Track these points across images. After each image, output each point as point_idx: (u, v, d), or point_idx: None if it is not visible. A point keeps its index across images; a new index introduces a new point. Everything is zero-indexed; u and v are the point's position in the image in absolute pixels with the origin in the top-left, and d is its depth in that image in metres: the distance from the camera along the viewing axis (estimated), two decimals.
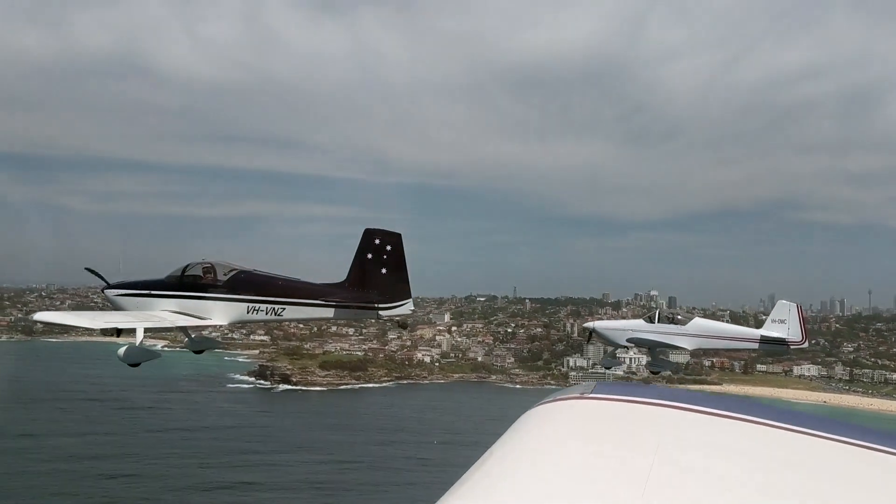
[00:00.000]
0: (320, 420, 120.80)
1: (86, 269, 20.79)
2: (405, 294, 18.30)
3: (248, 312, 18.82)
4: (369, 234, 18.32)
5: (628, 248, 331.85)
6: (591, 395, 3.95)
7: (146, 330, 18.40)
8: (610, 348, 32.56)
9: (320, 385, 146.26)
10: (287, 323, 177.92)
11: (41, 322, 21.52)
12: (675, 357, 35.49)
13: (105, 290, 20.29)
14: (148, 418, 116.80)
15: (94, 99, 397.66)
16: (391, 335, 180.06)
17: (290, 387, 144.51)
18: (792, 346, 28.72)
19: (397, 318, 18.87)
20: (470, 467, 3.30)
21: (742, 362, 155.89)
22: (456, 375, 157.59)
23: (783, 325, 28.19)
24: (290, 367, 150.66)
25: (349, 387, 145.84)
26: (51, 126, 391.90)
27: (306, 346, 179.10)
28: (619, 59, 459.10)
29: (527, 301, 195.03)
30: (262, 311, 18.67)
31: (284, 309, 18.60)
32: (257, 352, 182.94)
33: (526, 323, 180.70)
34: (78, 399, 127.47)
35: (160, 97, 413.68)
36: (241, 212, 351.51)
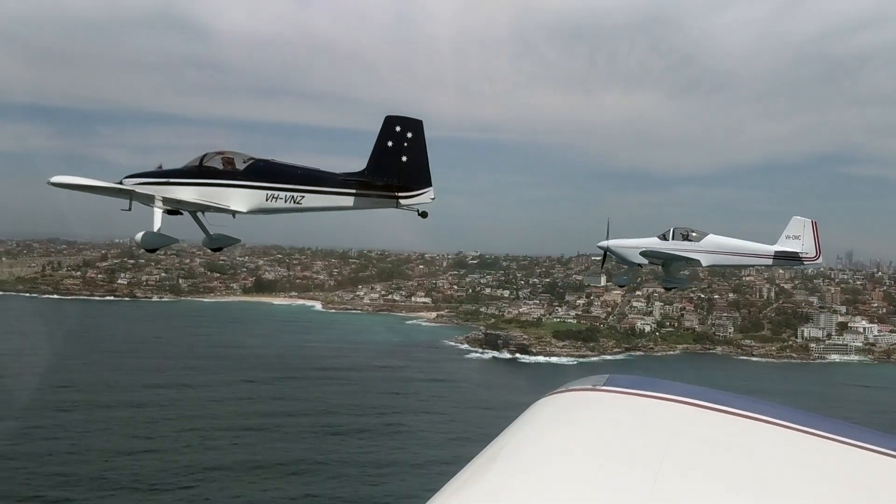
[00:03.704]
0: None
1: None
2: (426, 182, 17.76)
3: (266, 200, 18.45)
4: (390, 122, 17.65)
5: (672, 203, 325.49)
6: (603, 388, 3.91)
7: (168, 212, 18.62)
8: (625, 266, 32.55)
9: (560, 356, 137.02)
10: (444, 285, 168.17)
11: (59, 184, 17.16)
12: None
13: (123, 181, 19.18)
14: (449, 393, 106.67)
15: (135, 53, 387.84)
16: (572, 296, 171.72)
17: (535, 358, 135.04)
18: (805, 262, 29.02)
19: (416, 208, 17.95)
20: (477, 455, 3.25)
21: None
22: (680, 346, 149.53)
23: (797, 240, 28.35)
24: (525, 336, 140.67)
25: (588, 359, 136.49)
26: (92, 80, 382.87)
27: (482, 309, 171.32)
28: (668, 8, 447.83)
29: None
30: (280, 198, 18.36)
31: (304, 197, 18.28)
32: (434, 315, 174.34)
33: (714, 286, 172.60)
34: (337, 368, 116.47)
35: (200, 51, 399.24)
36: None
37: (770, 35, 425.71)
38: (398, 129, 17.68)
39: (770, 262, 29.79)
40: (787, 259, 29.23)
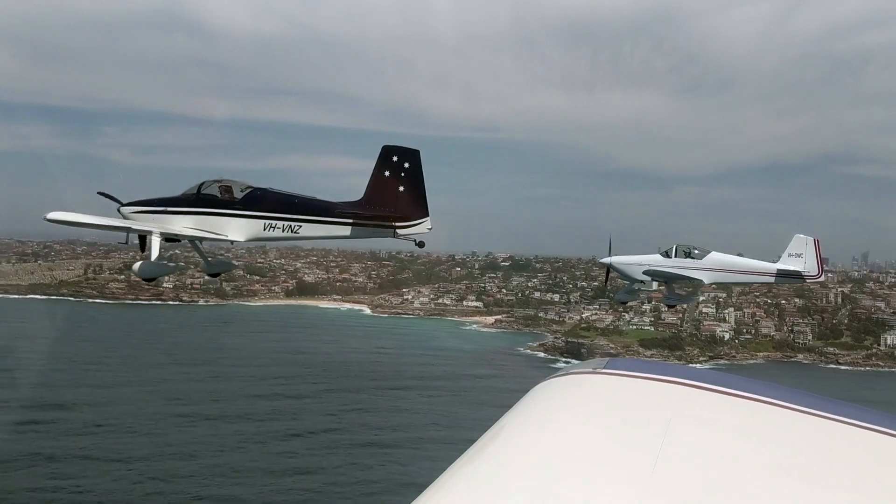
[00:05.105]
0: None
1: (98, 193, 19.86)
2: (423, 212, 17.74)
3: (264, 229, 18.46)
4: (387, 151, 17.76)
5: (673, 203, 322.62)
6: (604, 371, 3.93)
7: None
8: (627, 283, 32.18)
9: None
10: (492, 288, 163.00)
11: (56, 221, 16.97)
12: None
13: (120, 209, 19.17)
14: None
15: (139, 52, 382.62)
16: (633, 301, 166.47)
17: None
18: (808, 280, 29.10)
19: (413, 237, 18.05)
20: (478, 439, 3.25)
21: None
22: (760, 354, 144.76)
23: (800, 258, 28.29)
24: (612, 345, 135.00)
25: None
26: (96, 79, 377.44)
27: (540, 314, 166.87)
28: (672, 7, 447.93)
29: None
30: (278, 227, 18.35)
31: (301, 226, 18.26)
32: (491, 320, 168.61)
33: (775, 291, 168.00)
34: (430, 377, 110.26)
35: (204, 50, 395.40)
36: (282, 165, 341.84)
37: (774, 34, 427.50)
38: (395, 158, 17.59)
39: (772, 279, 29.88)
40: (790, 277, 29.27)
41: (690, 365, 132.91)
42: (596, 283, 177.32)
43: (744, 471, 2.97)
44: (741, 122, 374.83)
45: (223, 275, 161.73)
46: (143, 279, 19.83)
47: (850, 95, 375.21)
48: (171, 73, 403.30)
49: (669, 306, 38.08)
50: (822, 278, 29.95)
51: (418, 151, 17.80)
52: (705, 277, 29.88)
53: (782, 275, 29.17)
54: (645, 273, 30.29)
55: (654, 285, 32.90)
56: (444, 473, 2.92)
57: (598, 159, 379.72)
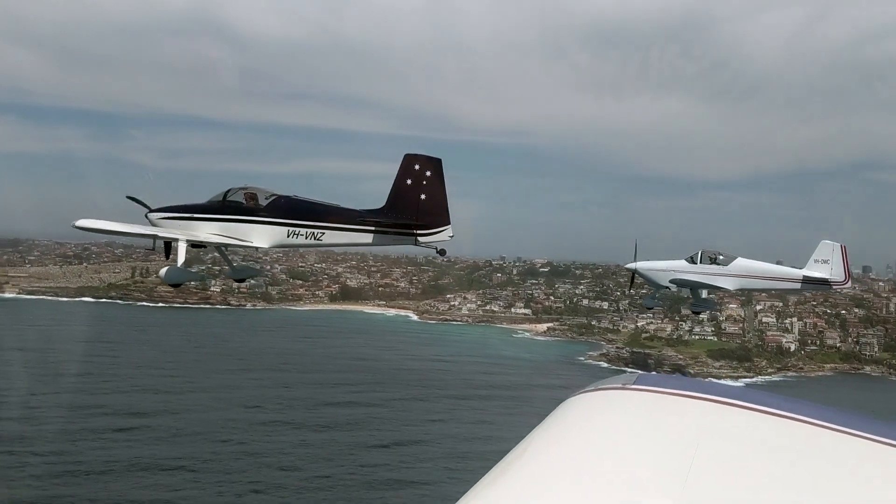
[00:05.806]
0: None
1: (127, 196, 20.38)
2: (444, 220, 17.79)
3: (288, 236, 18.67)
4: (409, 160, 17.78)
5: (699, 209, 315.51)
6: (633, 387, 3.86)
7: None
8: (652, 289, 32.01)
9: (719, 377, 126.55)
10: (537, 295, 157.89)
11: (84, 228, 17.31)
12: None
13: (148, 215, 19.71)
14: None
15: (167, 57, 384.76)
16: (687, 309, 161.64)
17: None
18: (834, 286, 28.63)
19: (435, 245, 18.09)
20: (507, 454, 3.25)
21: None
22: (828, 366, 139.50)
23: (826, 265, 27.82)
24: (679, 356, 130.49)
25: (753, 381, 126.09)
26: (125, 84, 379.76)
27: (593, 322, 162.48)
28: (701, 13, 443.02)
29: None
30: (301, 234, 18.53)
31: (324, 233, 18.37)
32: (543, 327, 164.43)
33: (832, 300, 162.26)
34: (502, 387, 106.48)
35: (231, 55, 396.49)
36: (308, 169, 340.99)
37: (803, 40, 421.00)
38: (417, 167, 17.64)
39: (798, 286, 29.28)
40: (816, 284, 28.84)
41: (757, 377, 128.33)
42: (643, 291, 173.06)
43: (774, 490, 2.93)
44: (769, 127, 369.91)
45: (266, 279, 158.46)
46: (170, 285, 20.16)
47: (880, 101, 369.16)
48: (198, 77, 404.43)
49: (695, 313, 37.37)
50: (849, 284, 29.34)
51: (440, 160, 17.80)
52: (731, 285, 29.48)
53: (808, 281, 28.69)
54: (672, 282, 30.13)
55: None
56: (471, 490, 2.83)
57: (624, 164, 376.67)
